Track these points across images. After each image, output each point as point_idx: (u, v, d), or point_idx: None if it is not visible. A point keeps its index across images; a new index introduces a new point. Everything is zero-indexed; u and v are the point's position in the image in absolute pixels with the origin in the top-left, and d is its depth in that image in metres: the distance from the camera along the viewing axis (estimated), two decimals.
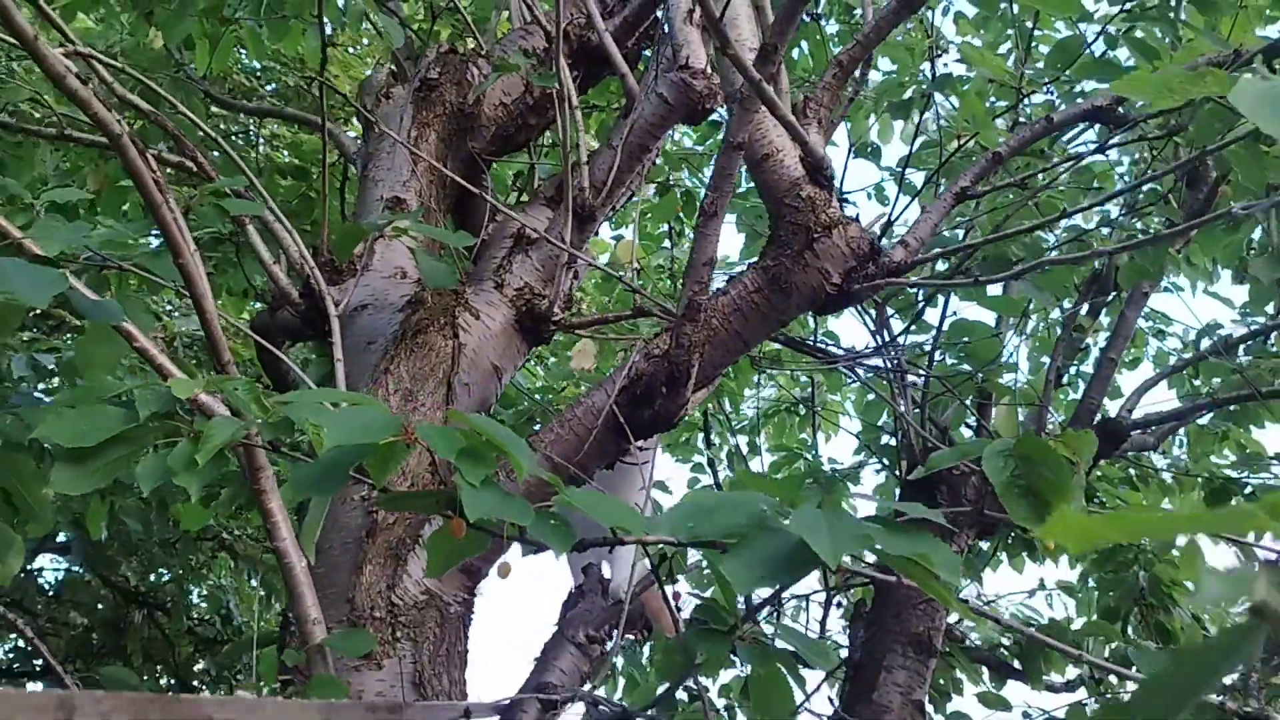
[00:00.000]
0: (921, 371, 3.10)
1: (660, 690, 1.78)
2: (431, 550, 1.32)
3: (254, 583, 5.71)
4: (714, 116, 2.52)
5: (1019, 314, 3.11)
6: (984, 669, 3.38)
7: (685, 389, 1.82)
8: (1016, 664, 3.43)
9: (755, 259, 1.94)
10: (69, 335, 4.45)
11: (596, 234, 2.45)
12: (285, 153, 3.52)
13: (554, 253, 2.37)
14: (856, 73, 2.08)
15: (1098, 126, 2.54)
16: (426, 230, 2.05)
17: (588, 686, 2.16)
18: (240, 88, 4.37)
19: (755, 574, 1.04)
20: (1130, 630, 3.38)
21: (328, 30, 3.35)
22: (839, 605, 3.57)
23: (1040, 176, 2.34)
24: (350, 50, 4.86)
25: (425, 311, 2.20)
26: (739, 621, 1.63)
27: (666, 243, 4.06)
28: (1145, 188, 2.07)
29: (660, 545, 1.40)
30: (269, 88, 4.65)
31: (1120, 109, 1.91)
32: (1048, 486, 1.29)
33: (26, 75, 2.83)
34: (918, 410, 3.08)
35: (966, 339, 3.15)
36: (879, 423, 3.67)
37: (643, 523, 1.19)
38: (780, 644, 1.65)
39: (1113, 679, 3.45)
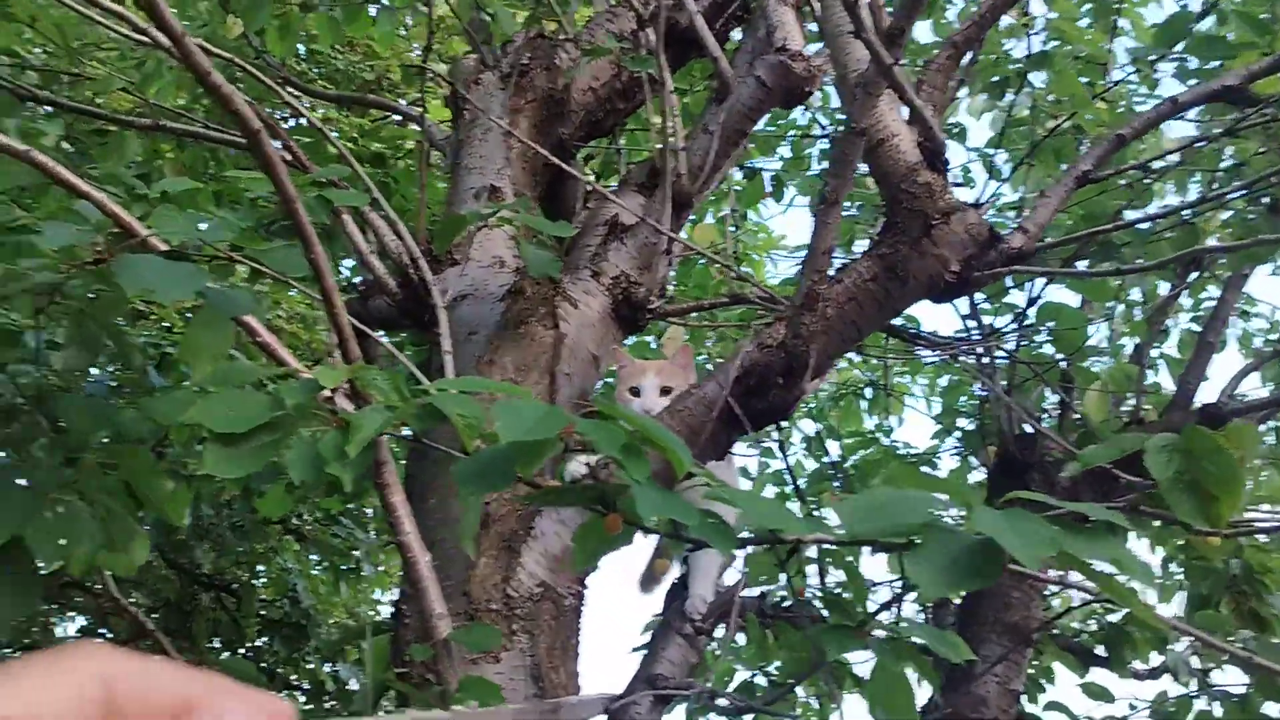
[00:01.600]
0: (1006, 355, 3.05)
1: (783, 686, 1.76)
2: (579, 544, 1.30)
3: (316, 563, 5.77)
4: None
5: (1110, 298, 3.05)
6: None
7: (802, 379, 1.79)
8: (1100, 651, 3.39)
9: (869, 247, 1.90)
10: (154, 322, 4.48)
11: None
12: (358, 139, 3.51)
13: (649, 240, 2.34)
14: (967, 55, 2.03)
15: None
16: (531, 221, 2.03)
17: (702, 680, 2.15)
18: (290, 72, 4.37)
19: (944, 577, 1.01)
20: None
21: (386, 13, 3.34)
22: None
23: (1158, 160, 2.27)
24: (400, 33, 4.84)
25: (525, 301, 2.18)
26: (869, 616, 1.61)
27: (732, 226, 4.03)
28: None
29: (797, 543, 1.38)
30: (314, 71, 4.64)
31: (1250, 89, 1.85)
32: (1213, 481, 1.25)
33: (118, 62, 2.84)
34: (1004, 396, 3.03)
35: (1053, 323, 3.10)
36: (958, 405, 3.62)
37: (801, 522, 1.17)
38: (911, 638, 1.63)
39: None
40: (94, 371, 2.33)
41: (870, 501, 1.11)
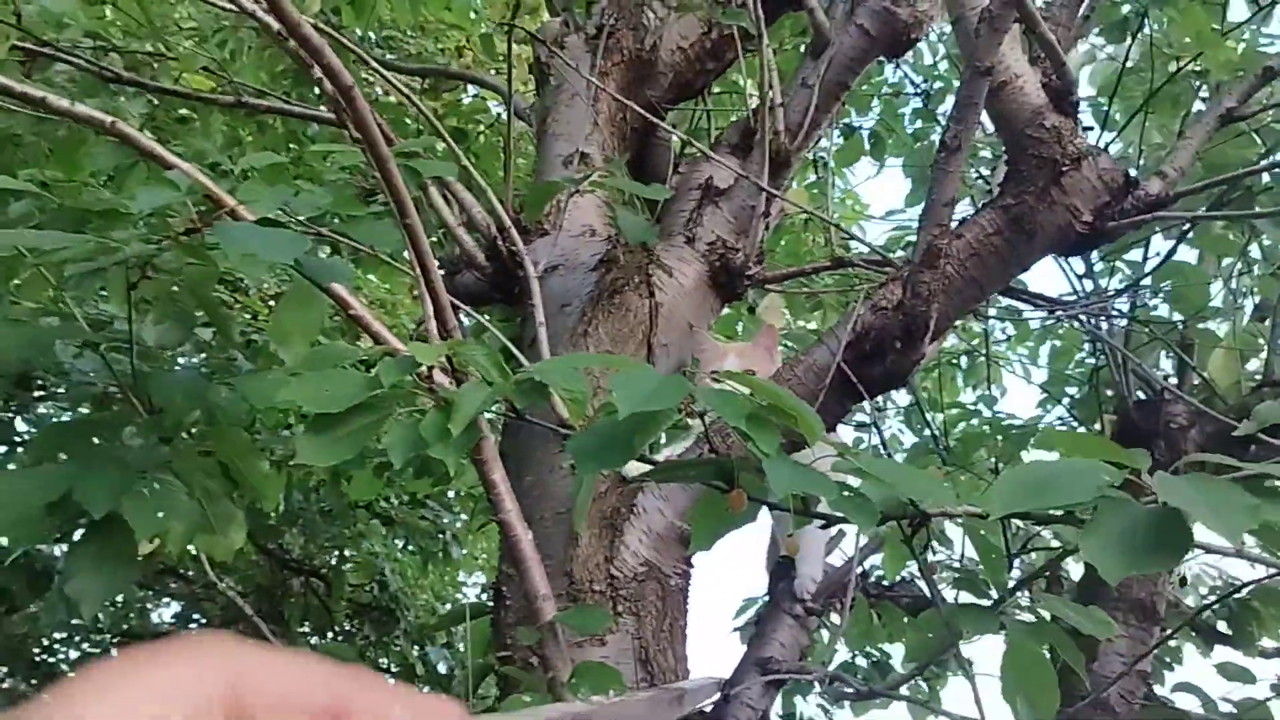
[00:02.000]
0: (1123, 315, 2.88)
1: (912, 667, 1.65)
2: (699, 523, 1.21)
3: (403, 547, 5.78)
4: None
5: (1235, 254, 2.86)
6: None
7: (921, 342, 1.68)
8: (1223, 628, 3.20)
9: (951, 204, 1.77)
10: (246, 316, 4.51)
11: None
12: (440, 113, 3.46)
13: (745, 204, 2.24)
14: None
15: None
16: (624, 184, 1.94)
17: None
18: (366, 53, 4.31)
19: (1125, 555, 0.90)
20: None
21: None
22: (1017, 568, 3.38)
23: None
24: (472, 15, 4.77)
25: (619, 270, 2.09)
26: (1006, 594, 1.49)
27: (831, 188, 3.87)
28: None
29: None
30: (388, 56, 4.59)
31: None
32: None
33: (200, 45, 2.81)
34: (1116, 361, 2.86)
35: (1169, 283, 2.91)
36: (1065, 372, 3.45)
37: (953, 493, 1.06)
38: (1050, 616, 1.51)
39: None
40: (182, 362, 2.30)
41: (1030, 476, 1.00)
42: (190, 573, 6.35)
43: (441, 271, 2.53)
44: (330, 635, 5.80)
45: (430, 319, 1.52)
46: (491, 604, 1.88)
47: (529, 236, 2.17)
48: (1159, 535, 0.91)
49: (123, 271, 1.34)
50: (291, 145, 3.38)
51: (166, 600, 6.84)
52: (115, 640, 6.88)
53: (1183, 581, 3.08)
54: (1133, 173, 1.71)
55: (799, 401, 1.07)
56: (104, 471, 1.33)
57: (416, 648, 5.48)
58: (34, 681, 5.58)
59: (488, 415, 1.80)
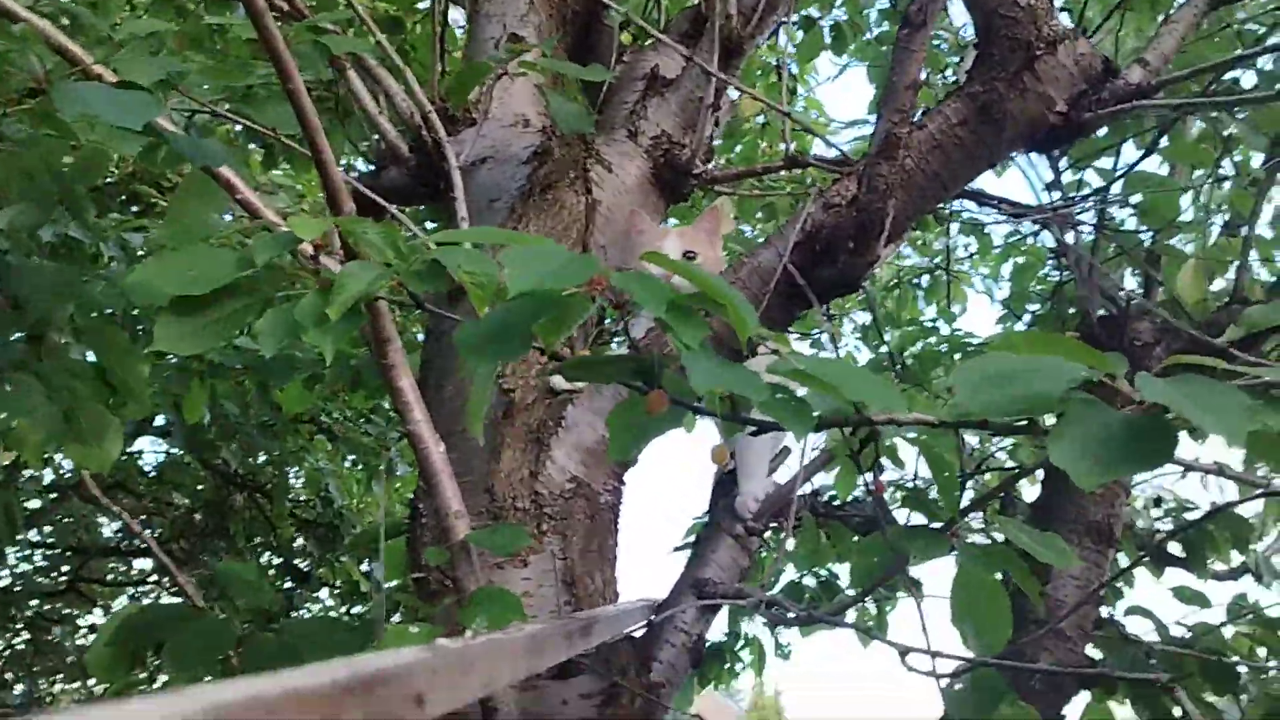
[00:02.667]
0: (1088, 226, 2.75)
1: (857, 593, 1.54)
2: (616, 427, 1.06)
3: (349, 463, 5.65)
4: None
5: (1209, 164, 2.72)
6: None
7: (876, 242, 1.53)
8: (1177, 551, 3.15)
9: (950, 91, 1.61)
10: (159, 216, 4.28)
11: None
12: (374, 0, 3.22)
13: (693, 95, 2.06)
14: None
15: None
16: (559, 66, 1.76)
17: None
18: None
19: (1099, 462, 0.76)
20: None
21: None
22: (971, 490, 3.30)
23: None
24: None
25: (553, 164, 1.92)
26: (956, 516, 1.37)
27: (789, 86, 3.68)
28: None
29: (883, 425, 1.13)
30: None
31: None
32: None
33: None
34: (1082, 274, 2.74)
35: (1138, 196, 2.78)
36: (1028, 289, 3.33)
37: (903, 398, 0.92)
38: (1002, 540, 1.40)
39: None
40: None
41: (993, 369, 0.86)
42: (140, 487, 6.20)
43: (367, 168, 2.35)
44: (275, 548, 5.69)
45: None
46: (408, 521, 1.75)
47: (456, 126, 1.99)
48: (1140, 439, 0.78)
49: None
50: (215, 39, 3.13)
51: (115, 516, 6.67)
52: (67, 553, 6.75)
53: (1157, 501, 3.02)
54: (1113, 59, 1.56)
55: (730, 289, 0.92)
56: None
57: (363, 564, 5.38)
58: None
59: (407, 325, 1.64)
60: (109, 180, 4.56)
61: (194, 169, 1.62)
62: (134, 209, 4.76)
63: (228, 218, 1.59)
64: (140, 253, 2.78)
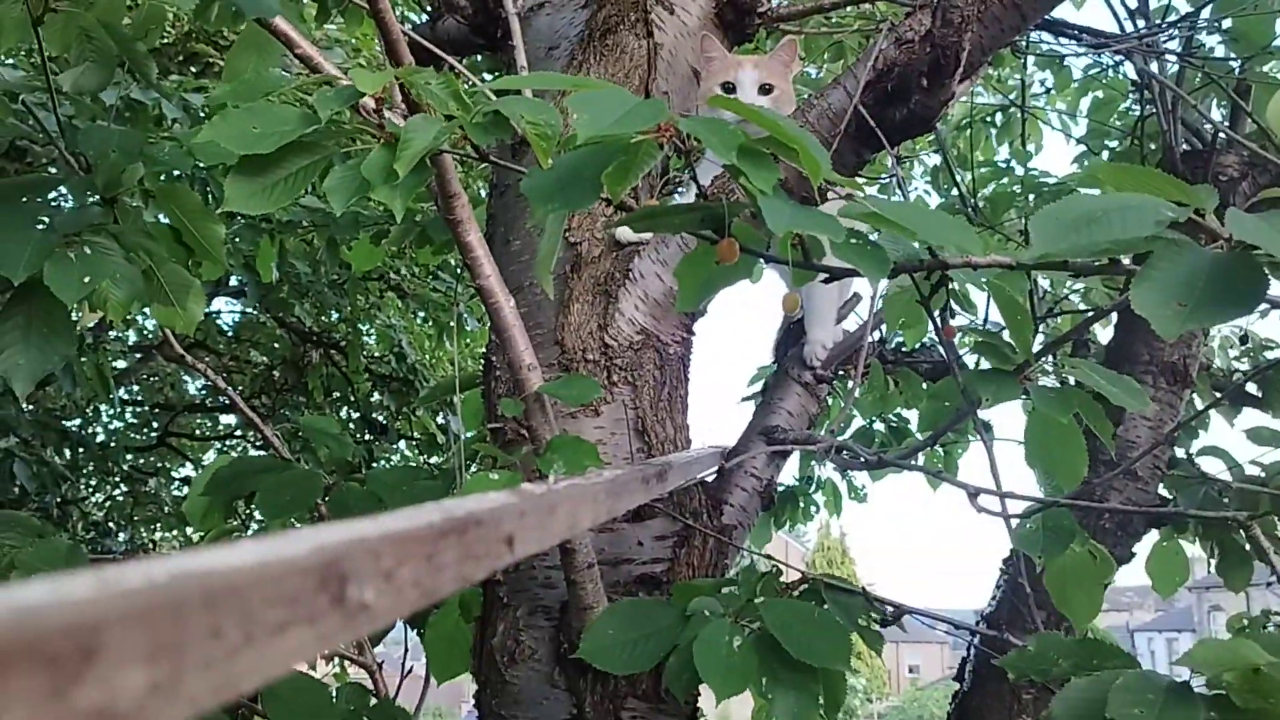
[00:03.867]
0: (1173, 55, 2.61)
1: (926, 436, 1.54)
2: (685, 278, 1.06)
3: (419, 319, 5.74)
4: None
5: None
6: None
7: (951, 79, 1.47)
8: (1254, 391, 3.09)
9: None
10: (218, 77, 4.26)
11: None
12: None
13: None
14: None
15: None
16: None
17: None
18: None
19: (1184, 306, 0.74)
20: None
21: None
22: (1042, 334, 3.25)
23: None
24: None
25: (613, 7, 1.86)
26: (1030, 359, 1.36)
27: None
28: None
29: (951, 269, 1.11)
30: None
31: None
32: None
33: None
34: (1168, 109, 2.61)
35: (1229, 14, 2.62)
36: (1107, 125, 3.19)
37: (980, 240, 0.90)
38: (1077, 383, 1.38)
39: None
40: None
41: (1075, 211, 0.83)
42: (220, 346, 6.40)
43: (422, 19, 2.30)
44: (353, 402, 5.86)
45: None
46: (482, 374, 1.78)
47: None
48: (1227, 282, 0.76)
49: (19, 5, 1.15)
50: None
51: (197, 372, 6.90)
52: (155, 410, 7.04)
53: (1243, 340, 2.95)
54: None
55: (802, 132, 0.89)
56: (25, 236, 1.19)
57: (439, 417, 5.53)
58: (69, 451, 5.71)
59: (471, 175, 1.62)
60: (166, 41, 4.54)
61: (249, 24, 1.61)
62: (192, 69, 4.75)
63: (285, 74, 1.57)
64: (202, 114, 2.78)
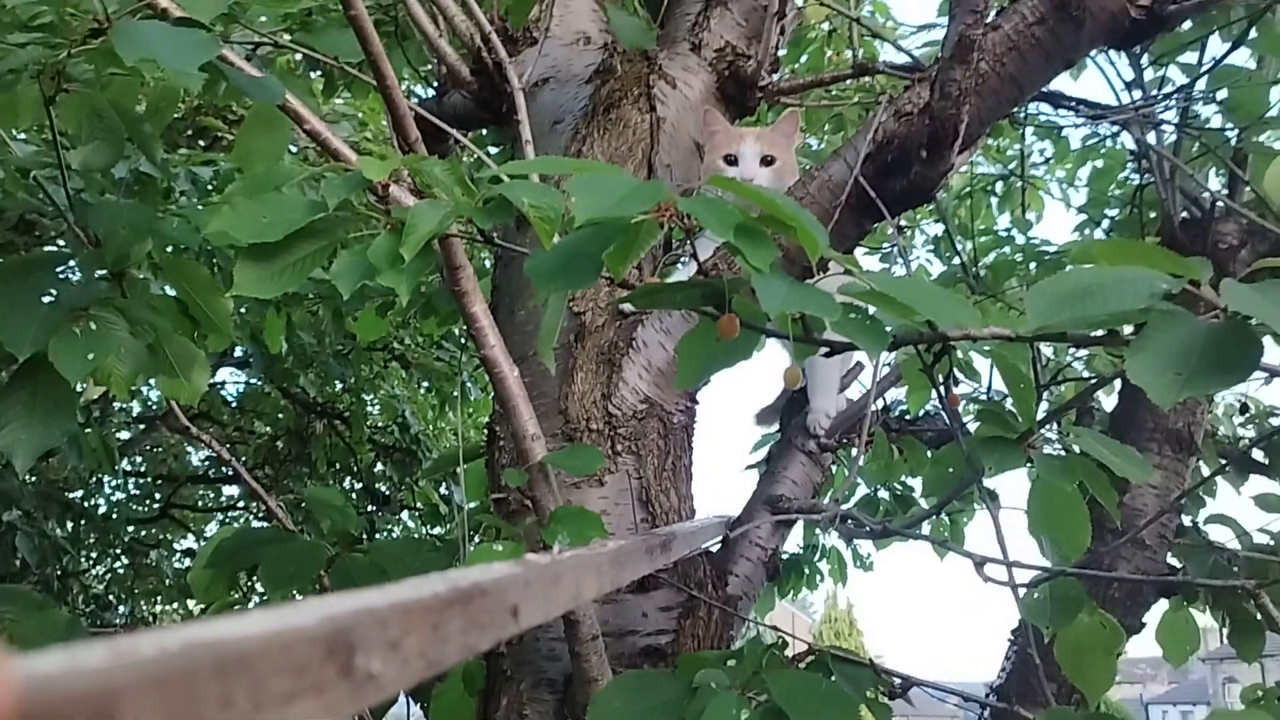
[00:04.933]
0: (1171, 125, 2.65)
1: (931, 505, 1.54)
2: (686, 355, 1.07)
3: (423, 389, 5.75)
4: None
5: None
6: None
7: (950, 150, 1.49)
8: (1260, 458, 3.08)
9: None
10: (226, 149, 4.33)
11: None
12: None
13: (757, 4, 2.01)
14: None
15: None
16: None
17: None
18: None
19: (1178, 377, 0.75)
20: None
21: None
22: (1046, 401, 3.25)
23: None
24: None
25: (616, 82, 1.90)
26: (1033, 426, 1.36)
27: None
28: None
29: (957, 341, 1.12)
30: None
31: None
32: None
33: None
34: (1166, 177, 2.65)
35: (1224, 86, 2.67)
36: (1107, 194, 3.23)
37: (977, 313, 0.91)
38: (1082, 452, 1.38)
39: None
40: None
41: (1070, 285, 0.84)
42: (224, 416, 6.40)
43: (428, 93, 2.35)
44: (355, 473, 5.85)
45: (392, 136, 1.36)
46: (485, 445, 1.78)
47: (515, 46, 1.97)
48: (1222, 350, 0.77)
49: (34, 86, 1.18)
50: None
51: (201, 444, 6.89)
52: (158, 482, 7.03)
53: (1242, 409, 2.95)
54: None
55: (799, 209, 0.91)
56: (32, 311, 1.20)
57: (441, 487, 5.51)
58: (71, 523, 5.69)
59: (475, 251, 1.65)
60: (175, 115, 4.62)
61: (259, 101, 1.64)
62: (200, 143, 4.83)
63: (293, 149, 1.59)
64: (210, 186, 2.82)
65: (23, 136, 2.29)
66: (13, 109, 1.25)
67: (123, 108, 1.31)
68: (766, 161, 1.75)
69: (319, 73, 2.72)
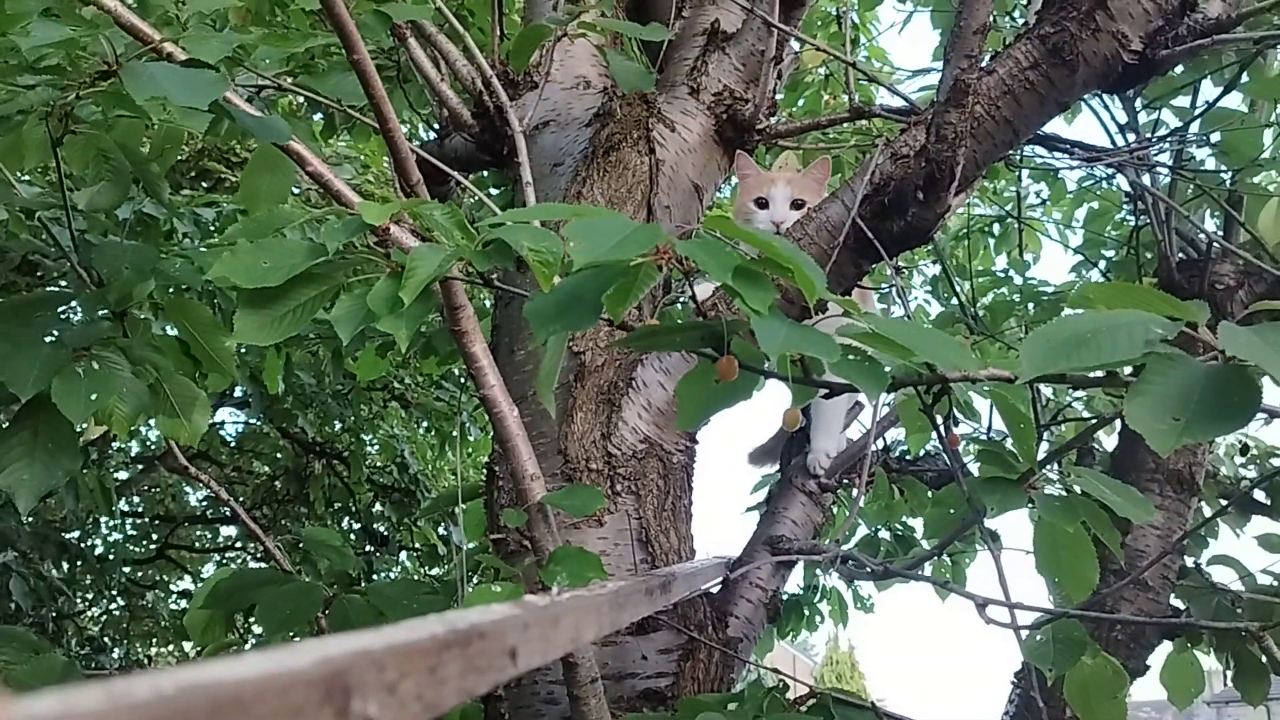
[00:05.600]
0: (1165, 167, 2.67)
1: (933, 546, 1.53)
2: (685, 397, 1.07)
3: (422, 429, 5.74)
4: None
5: None
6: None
7: (946, 192, 1.50)
8: (1262, 499, 3.07)
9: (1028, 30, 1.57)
10: (229, 191, 4.36)
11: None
12: None
13: (755, 49, 2.04)
14: None
15: None
16: (614, 25, 1.75)
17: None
18: None
19: (1176, 422, 0.75)
20: None
21: None
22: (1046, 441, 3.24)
23: None
24: None
25: (616, 125, 1.91)
26: (1034, 467, 1.35)
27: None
28: None
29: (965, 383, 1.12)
30: None
31: None
32: None
33: None
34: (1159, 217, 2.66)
35: (1218, 129, 2.69)
36: (1103, 235, 3.25)
37: (975, 357, 0.91)
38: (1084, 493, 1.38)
39: None
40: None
41: (1066, 332, 0.84)
42: (222, 456, 6.39)
43: (430, 135, 2.37)
44: (354, 513, 5.83)
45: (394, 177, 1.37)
46: (484, 485, 1.78)
47: (516, 90, 1.99)
48: (1220, 396, 0.77)
49: (41, 128, 1.19)
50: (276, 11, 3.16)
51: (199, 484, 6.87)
52: (155, 522, 6.99)
53: (1243, 450, 2.94)
54: None
55: (797, 252, 0.92)
56: (34, 350, 1.20)
57: (440, 528, 5.49)
58: (67, 564, 5.66)
59: (476, 295, 1.66)
60: (179, 158, 4.66)
61: (262, 144, 1.66)
62: (203, 184, 4.87)
63: (295, 189, 1.61)
64: (212, 227, 2.83)
65: (26, 178, 2.31)
66: (19, 150, 1.26)
67: (129, 149, 1.32)
68: (797, 205, 1.78)
69: (320, 115, 2.75)
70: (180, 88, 1.06)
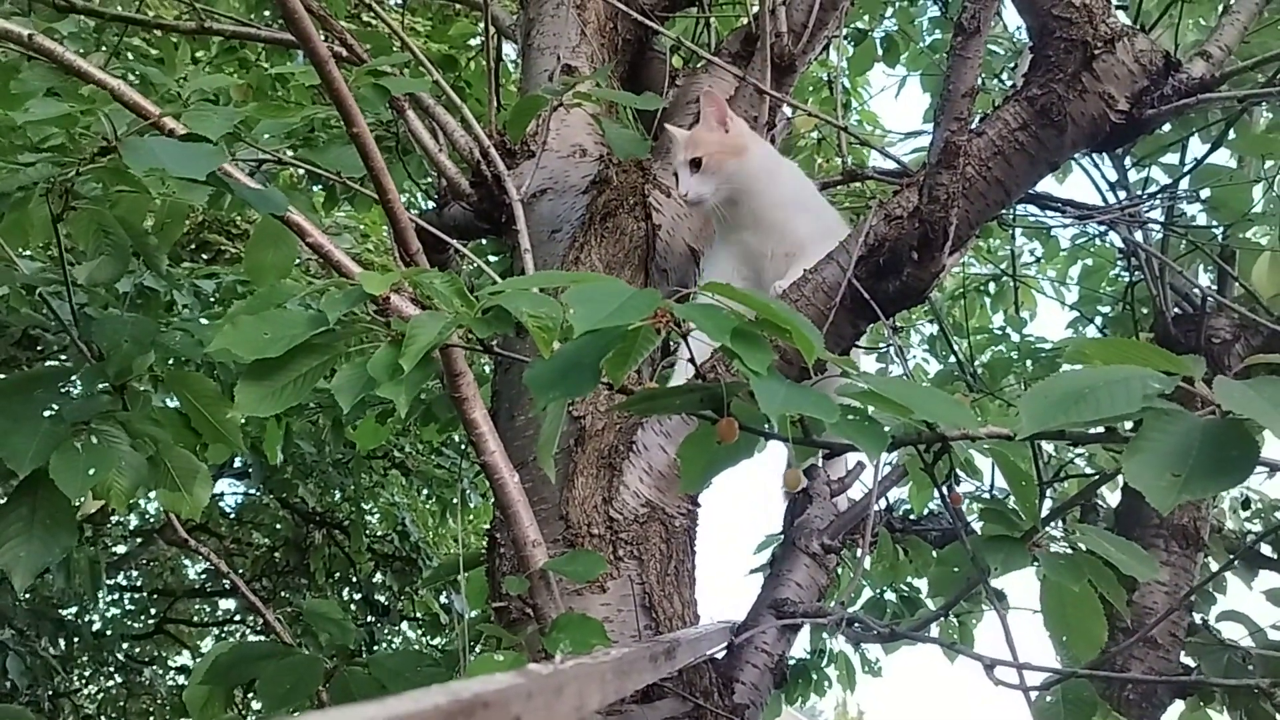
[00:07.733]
0: (1158, 224, 2.70)
1: (939, 607, 1.52)
2: (688, 460, 1.07)
3: (423, 497, 5.72)
4: None
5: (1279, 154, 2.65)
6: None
7: (940, 252, 1.52)
8: (1269, 553, 3.05)
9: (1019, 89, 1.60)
10: (229, 263, 4.39)
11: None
12: (427, 41, 3.28)
13: (748, 114, 2.07)
14: None
15: None
16: (609, 95, 1.78)
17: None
18: None
19: (1178, 476, 0.75)
20: None
21: None
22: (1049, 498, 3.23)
23: None
24: None
25: (613, 192, 1.94)
26: (1037, 525, 1.35)
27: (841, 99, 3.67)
28: None
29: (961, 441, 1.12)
30: None
31: None
32: None
33: None
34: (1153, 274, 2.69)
35: (1207, 185, 2.72)
36: (1098, 291, 3.27)
37: (974, 416, 0.91)
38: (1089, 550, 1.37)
39: None
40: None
41: (1063, 388, 0.84)
42: (222, 528, 6.35)
43: (429, 204, 2.40)
44: (354, 586, 5.78)
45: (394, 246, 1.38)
46: (485, 552, 1.77)
47: (514, 159, 2.02)
48: (1219, 451, 0.77)
49: (43, 203, 1.21)
50: (279, 87, 3.22)
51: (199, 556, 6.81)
52: (154, 596, 6.92)
53: (1245, 503, 2.93)
54: (1173, 54, 1.53)
55: (794, 313, 0.92)
56: (33, 426, 1.20)
57: (442, 596, 5.44)
58: (64, 640, 5.59)
59: (477, 361, 1.67)
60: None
61: (264, 218, 1.67)
62: (204, 256, 4.90)
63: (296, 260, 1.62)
64: (212, 299, 2.85)
65: (28, 253, 2.33)
66: (22, 228, 1.28)
67: (130, 224, 1.33)
68: (696, 164, 1.74)
69: (320, 186, 2.78)
70: (177, 160, 1.07)
